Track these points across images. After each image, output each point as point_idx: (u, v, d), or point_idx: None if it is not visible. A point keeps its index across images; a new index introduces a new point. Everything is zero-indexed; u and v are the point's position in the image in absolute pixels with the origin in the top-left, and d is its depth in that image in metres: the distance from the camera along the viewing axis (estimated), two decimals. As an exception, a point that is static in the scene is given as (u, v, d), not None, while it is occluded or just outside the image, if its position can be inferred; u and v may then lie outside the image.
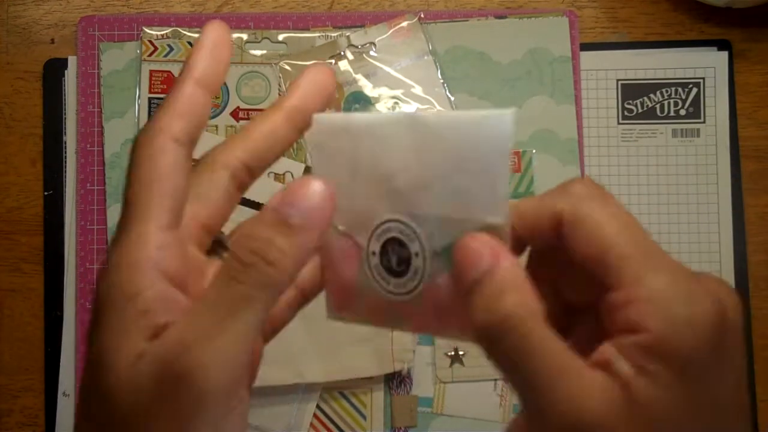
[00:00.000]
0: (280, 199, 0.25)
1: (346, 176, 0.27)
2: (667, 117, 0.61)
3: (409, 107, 0.60)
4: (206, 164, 0.28)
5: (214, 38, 0.28)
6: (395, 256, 0.27)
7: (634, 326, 0.23)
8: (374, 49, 0.60)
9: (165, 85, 0.60)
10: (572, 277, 0.27)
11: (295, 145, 0.60)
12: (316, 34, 0.61)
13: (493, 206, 0.25)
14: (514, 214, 0.27)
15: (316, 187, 0.25)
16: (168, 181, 0.26)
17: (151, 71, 0.60)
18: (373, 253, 0.27)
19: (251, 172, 0.28)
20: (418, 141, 0.26)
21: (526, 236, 0.27)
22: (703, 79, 0.61)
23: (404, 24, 0.60)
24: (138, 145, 0.28)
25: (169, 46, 0.60)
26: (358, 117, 0.27)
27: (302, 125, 0.29)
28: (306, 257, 0.25)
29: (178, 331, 0.24)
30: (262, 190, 0.60)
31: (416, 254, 0.27)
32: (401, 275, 0.27)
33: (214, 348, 0.23)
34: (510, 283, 0.24)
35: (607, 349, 0.23)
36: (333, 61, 0.60)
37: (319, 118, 0.28)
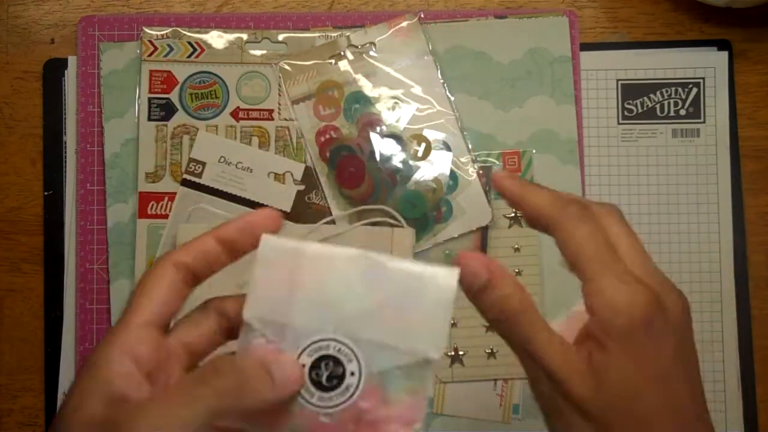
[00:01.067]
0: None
1: (285, 292, 0.31)
2: (667, 117, 0.61)
3: (409, 107, 0.60)
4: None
5: (256, 220, 0.33)
6: (327, 371, 0.30)
7: (592, 310, 0.32)
8: (374, 49, 0.60)
9: (165, 85, 0.60)
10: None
11: (295, 145, 0.60)
12: (316, 34, 0.61)
13: (434, 346, 0.30)
14: (524, 194, 0.35)
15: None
16: (157, 293, 0.31)
17: (151, 71, 0.60)
18: (303, 365, 0.30)
19: (196, 278, 0.33)
20: (370, 276, 0.30)
21: (530, 218, 0.35)
22: (703, 79, 0.61)
23: (404, 24, 0.60)
24: (148, 269, 0.35)
25: (169, 46, 0.60)
26: (312, 246, 0.31)
27: (236, 254, 0.33)
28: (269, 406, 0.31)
29: (133, 405, 0.28)
30: (262, 190, 0.60)
31: (352, 373, 0.30)
32: (329, 390, 0.30)
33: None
34: (511, 288, 0.32)
35: (582, 330, 0.33)
36: (333, 60, 0.60)
37: (267, 241, 0.31)
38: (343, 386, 0.30)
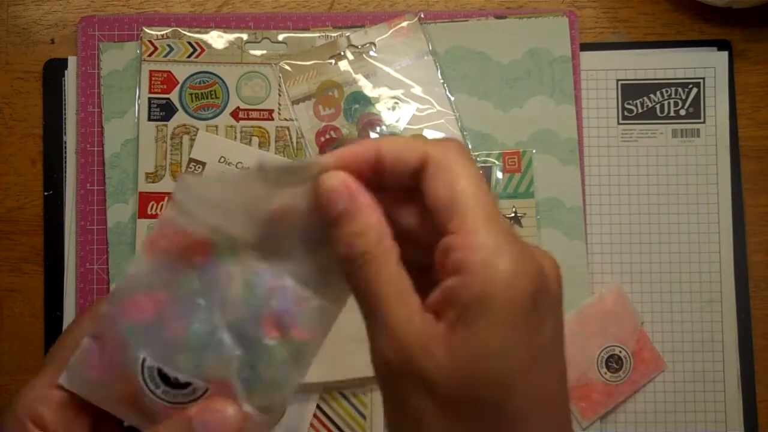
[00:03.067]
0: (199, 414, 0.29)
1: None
2: (667, 117, 0.61)
3: (409, 107, 0.60)
4: None
5: None
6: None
7: (461, 267, 0.26)
8: (374, 49, 0.60)
9: (165, 85, 0.60)
10: (418, 226, 0.29)
11: (295, 145, 0.60)
12: (316, 34, 0.61)
13: None
14: (380, 150, 0.29)
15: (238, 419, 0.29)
16: (70, 352, 0.31)
17: (151, 71, 0.60)
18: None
19: None
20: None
21: (388, 174, 0.29)
22: (703, 79, 0.61)
23: (404, 24, 0.60)
24: (69, 325, 0.34)
25: (169, 46, 0.60)
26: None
27: None
28: None
29: None
30: (262, 190, 0.60)
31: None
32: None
33: None
34: (370, 224, 0.27)
35: (437, 295, 0.26)
36: (333, 60, 0.60)
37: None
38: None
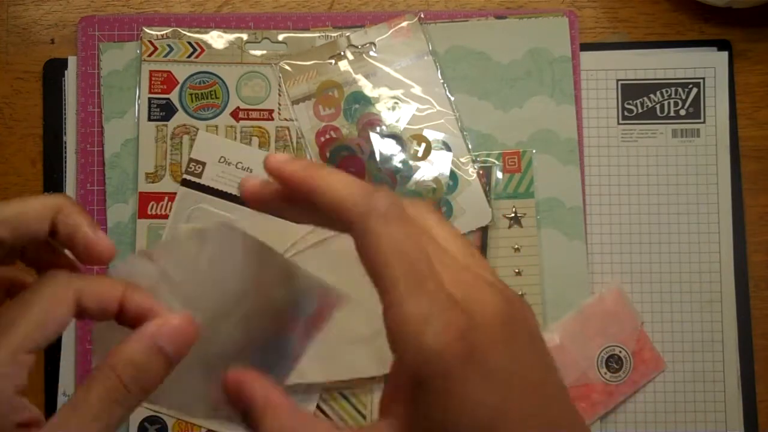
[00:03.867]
0: (158, 331, 0.29)
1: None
2: (667, 117, 0.61)
3: (409, 107, 0.60)
4: None
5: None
6: None
7: (394, 348, 0.26)
8: (374, 49, 0.60)
9: (165, 85, 0.60)
10: None
11: (295, 145, 0.60)
12: (316, 34, 0.61)
13: None
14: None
15: (184, 323, 0.29)
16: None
17: (151, 71, 0.60)
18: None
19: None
20: None
21: (324, 209, 0.28)
22: (703, 79, 0.61)
23: (404, 24, 0.60)
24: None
25: (169, 46, 0.60)
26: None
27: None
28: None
29: None
30: (262, 190, 0.60)
31: None
32: None
33: None
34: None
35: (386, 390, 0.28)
36: (333, 60, 0.60)
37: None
38: None
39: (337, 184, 0.27)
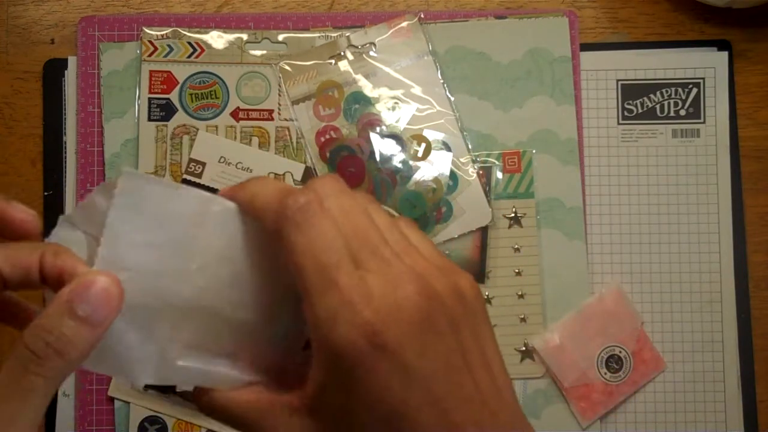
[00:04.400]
0: (70, 292, 0.27)
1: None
2: (667, 117, 0.61)
3: (409, 107, 0.60)
4: None
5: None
6: None
7: (312, 343, 0.28)
8: (374, 50, 0.60)
9: (165, 85, 0.60)
10: None
11: (295, 145, 0.60)
12: (316, 35, 0.61)
13: None
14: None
15: (103, 282, 0.27)
16: None
17: (151, 71, 0.60)
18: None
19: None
20: None
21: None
22: (703, 79, 0.61)
23: (404, 24, 0.60)
24: None
25: (169, 46, 0.60)
26: None
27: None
28: (94, 345, 0.28)
29: None
30: (262, 190, 0.60)
31: None
32: None
33: None
34: None
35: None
36: (333, 61, 0.60)
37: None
38: None
39: (258, 191, 0.29)
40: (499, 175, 0.60)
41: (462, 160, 0.60)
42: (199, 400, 0.31)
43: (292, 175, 0.59)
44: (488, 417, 0.27)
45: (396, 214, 0.58)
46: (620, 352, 0.59)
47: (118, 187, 0.28)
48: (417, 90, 0.60)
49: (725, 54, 0.61)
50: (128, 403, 0.58)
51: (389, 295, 0.27)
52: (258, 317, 0.31)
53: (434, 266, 0.28)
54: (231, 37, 0.60)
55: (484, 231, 0.59)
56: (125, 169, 0.28)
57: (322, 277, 0.27)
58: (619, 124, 0.61)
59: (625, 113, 0.61)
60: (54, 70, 0.61)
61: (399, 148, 0.60)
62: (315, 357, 0.28)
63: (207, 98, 0.60)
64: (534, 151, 0.60)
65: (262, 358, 0.31)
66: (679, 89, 0.61)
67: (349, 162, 0.59)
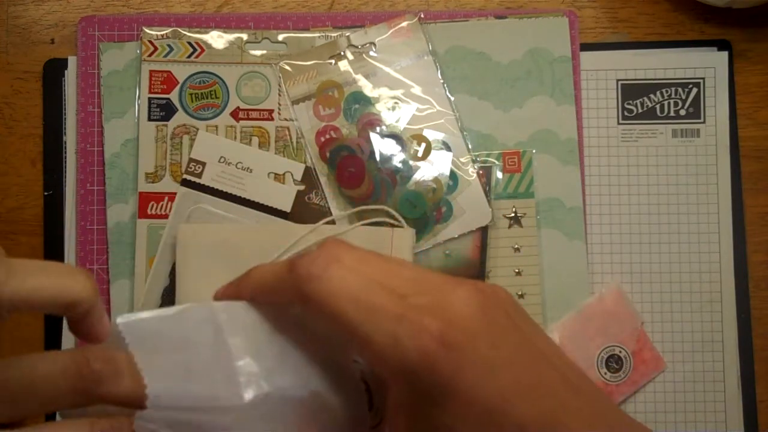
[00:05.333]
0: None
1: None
2: (667, 117, 0.61)
3: (409, 107, 0.60)
4: None
5: None
6: None
7: (389, 379, 0.27)
8: (374, 49, 0.60)
9: (165, 85, 0.60)
10: None
11: (295, 145, 0.60)
12: (316, 34, 0.61)
13: None
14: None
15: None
16: None
17: (151, 71, 0.60)
18: None
19: None
20: None
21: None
22: (703, 79, 0.61)
23: (404, 24, 0.60)
24: None
25: (169, 46, 0.60)
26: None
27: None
28: None
29: None
30: (262, 190, 0.60)
31: None
32: None
33: None
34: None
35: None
36: (333, 60, 0.60)
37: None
38: None
39: (261, 275, 0.29)
40: (499, 175, 0.60)
41: (462, 160, 0.60)
42: None
43: (292, 174, 0.59)
44: (584, 403, 0.27)
45: (401, 220, 0.58)
46: (620, 352, 0.59)
47: (125, 338, 0.28)
48: (417, 90, 0.60)
49: (725, 54, 0.61)
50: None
51: (441, 301, 0.26)
52: (312, 399, 0.30)
53: (460, 279, 0.28)
54: (231, 37, 0.60)
55: (484, 231, 0.59)
56: (119, 320, 0.28)
57: (365, 311, 0.27)
58: (619, 124, 0.61)
59: (625, 113, 0.61)
60: (54, 70, 0.61)
61: (399, 148, 0.60)
62: (391, 395, 0.27)
63: (207, 98, 0.60)
64: (534, 151, 0.60)
65: None
66: (679, 89, 0.61)
67: (349, 162, 0.59)
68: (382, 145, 0.60)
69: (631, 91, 0.61)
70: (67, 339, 0.59)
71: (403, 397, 0.27)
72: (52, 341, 0.59)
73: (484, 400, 0.25)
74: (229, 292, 0.31)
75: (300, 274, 0.28)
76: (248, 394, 0.28)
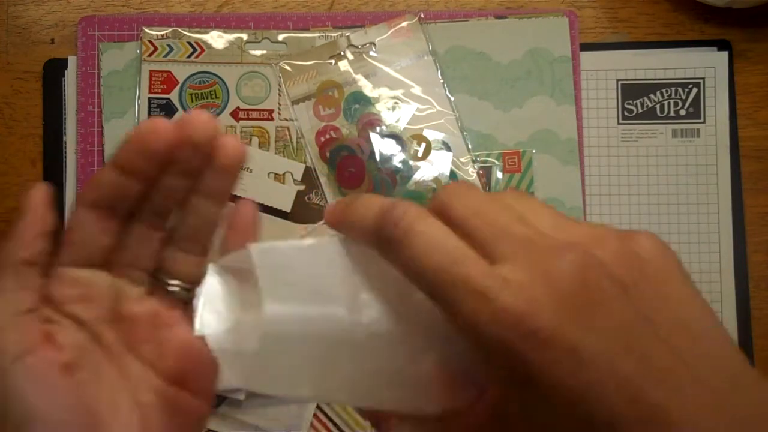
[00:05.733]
0: None
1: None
2: (667, 117, 0.61)
3: (409, 107, 0.60)
4: None
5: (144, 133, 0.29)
6: None
7: (484, 354, 0.25)
8: (374, 49, 0.60)
9: (165, 85, 0.60)
10: None
11: (295, 145, 0.60)
12: (316, 34, 0.61)
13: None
14: None
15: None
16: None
17: (151, 71, 0.60)
18: None
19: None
20: None
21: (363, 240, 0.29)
22: (703, 79, 0.61)
23: (404, 24, 0.60)
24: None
25: (169, 46, 0.60)
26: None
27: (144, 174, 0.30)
28: None
29: None
30: (262, 190, 0.60)
31: None
32: None
33: None
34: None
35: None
36: (333, 61, 0.60)
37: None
38: None
39: (358, 218, 0.27)
40: (499, 175, 0.60)
41: (462, 160, 0.60)
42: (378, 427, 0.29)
43: (292, 174, 0.59)
44: (703, 391, 0.23)
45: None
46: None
47: (255, 260, 0.28)
48: (417, 90, 0.60)
49: (725, 54, 0.61)
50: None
51: (530, 274, 0.23)
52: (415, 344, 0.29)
53: (595, 233, 0.25)
54: (231, 37, 0.60)
55: (484, 231, 0.59)
56: (252, 247, 0.29)
57: (446, 279, 0.24)
58: (619, 124, 0.61)
59: (625, 113, 0.61)
60: (54, 70, 0.61)
61: (399, 148, 0.60)
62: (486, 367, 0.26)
63: (207, 98, 0.60)
64: (534, 151, 0.60)
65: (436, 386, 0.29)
66: (679, 89, 0.61)
67: (349, 162, 0.59)
68: (382, 145, 0.60)
69: (631, 91, 0.61)
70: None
71: (492, 371, 0.25)
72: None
73: (571, 398, 0.23)
74: (332, 223, 0.29)
75: (384, 234, 0.25)
76: (368, 328, 0.28)
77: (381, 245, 0.26)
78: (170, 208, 0.31)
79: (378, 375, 0.29)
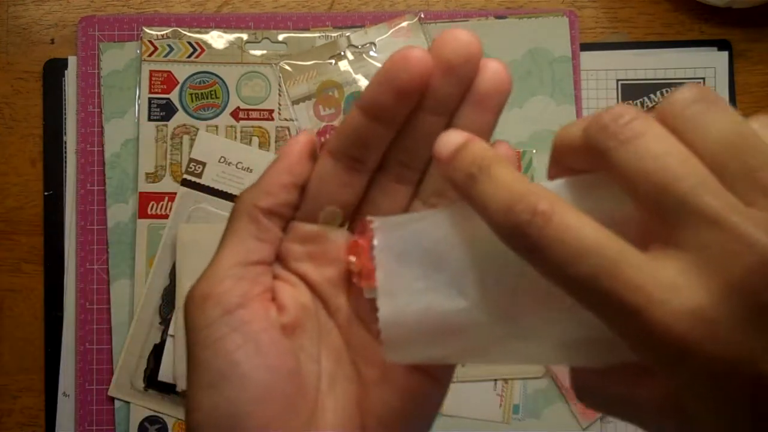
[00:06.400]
0: None
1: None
2: (667, 117, 0.61)
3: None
4: None
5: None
6: None
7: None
8: (374, 49, 0.60)
9: (165, 85, 0.60)
10: None
11: (295, 145, 0.60)
12: (316, 34, 0.61)
13: None
14: None
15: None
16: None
17: (151, 71, 0.60)
18: None
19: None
20: None
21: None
22: (703, 79, 0.61)
23: (404, 24, 0.60)
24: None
25: (169, 46, 0.60)
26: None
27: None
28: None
29: None
30: (262, 190, 0.60)
31: None
32: None
33: None
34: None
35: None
36: (333, 61, 0.60)
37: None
38: None
39: (486, 197, 0.22)
40: (499, 175, 0.60)
41: (462, 160, 0.60)
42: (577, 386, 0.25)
43: (292, 175, 0.59)
44: None
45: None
46: (620, 352, 0.59)
47: (376, 237, 0.26)
48: (417, 90, 0.60)
49: (725, 54, 0.61)
50: (128, 403, 0.58)
51: (704, 270, 0.19)
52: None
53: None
54: (231, 37, 0.60)
55: (484, 231, 0.59)
56: (371, 220, 0.26)
57: (597, 295, 0.20)
58: (619, 124, 0.61)
59: (625, 113, 0.61)
60: (54, 70, 0.61)
61: (399, 148, 0.60)
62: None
63: (207, 98, 0.60)
64: (534, 151, 0.60)
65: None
66: (679, 89, 0.61)
67: (349, 162, 0.59)
68: (382, 145, 0.60)
69: (631, 91, 0.61)
70: (67, 340, 0.59)
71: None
72: (53, 342, 0.59)
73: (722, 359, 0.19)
74: (461, 191, 0.24)
75: (513, 229, 0.21)
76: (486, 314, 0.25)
77: (513, 243, 0.22)
78: (421, 158, 0.27)
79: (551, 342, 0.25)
